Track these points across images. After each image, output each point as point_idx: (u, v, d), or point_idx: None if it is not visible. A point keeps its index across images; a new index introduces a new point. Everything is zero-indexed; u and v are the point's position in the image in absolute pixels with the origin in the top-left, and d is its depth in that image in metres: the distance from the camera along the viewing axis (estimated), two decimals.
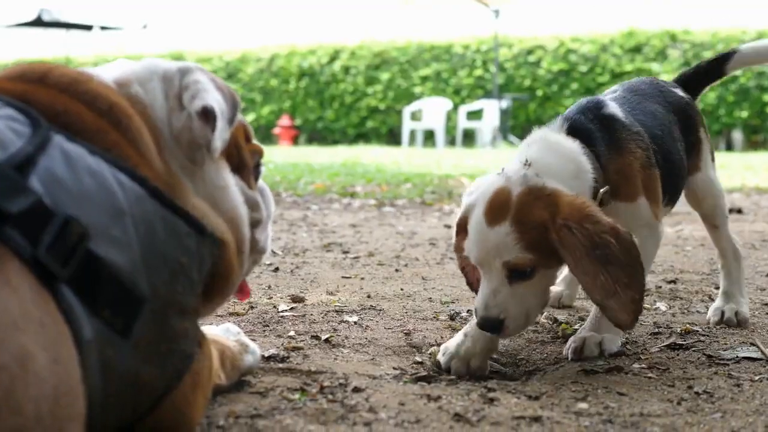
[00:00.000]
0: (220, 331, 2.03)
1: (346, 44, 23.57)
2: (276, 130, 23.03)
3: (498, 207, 2.12)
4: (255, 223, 1.83)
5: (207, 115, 1.62)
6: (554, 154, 2.22)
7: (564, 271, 2.94)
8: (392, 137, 22.06)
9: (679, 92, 2.70)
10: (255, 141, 1.89)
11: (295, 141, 22.90)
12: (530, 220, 2.09)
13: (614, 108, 2.37)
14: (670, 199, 2.53)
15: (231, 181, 1.72)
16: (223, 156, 1.72)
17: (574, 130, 2.29)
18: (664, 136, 2.46)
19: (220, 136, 1.62)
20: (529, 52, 21.41)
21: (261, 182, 1.92)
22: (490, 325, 2.16)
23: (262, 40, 25.13)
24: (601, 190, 2.23)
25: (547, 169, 2.17)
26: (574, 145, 2.24)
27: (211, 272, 1.64)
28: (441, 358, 2.29)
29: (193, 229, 1.56)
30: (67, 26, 21.48)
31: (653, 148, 2.37)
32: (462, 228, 2.25)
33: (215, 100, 1.63)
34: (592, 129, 2.30)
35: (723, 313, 2.74)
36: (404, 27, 24.00)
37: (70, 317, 1.34)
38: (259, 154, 1.88)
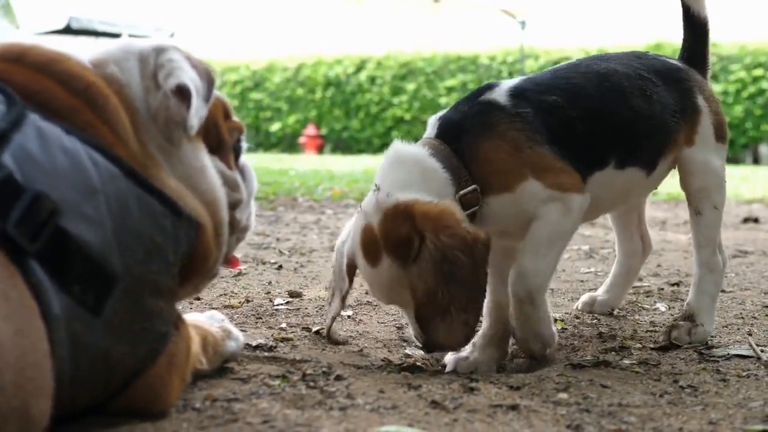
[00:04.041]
0: (204, 317, 2.04)
1: (373, 54, 23.61)
2: (301, 139, 23.11)
3: (370, 247, 2.08)
4: (235, 204, 1.83)
5: (182, 93, 1.63)
6: (397, 166, 2.13)
7: (608, 279, 2.92)
8: None
9: (669, 60, 2.55)
10: (235, 118, 1.88)
11: (320, 150, 22.96)
12: (400, 243, 2.02)
13: (498, 93, 2.22)
14: (622, 162, 2.33)
15: (208, 163, 1.73)
16: (201, 137, 1.73)
17: (442, 129, 2.21)
18: (603, 96, 2.30)
19: (196, 114, 1.63)
20: (556, 63, 21.30)
21: (243, 160, 1.91)
22: (438, 347, 2.11)
23: (289, 50, 25.23)
24: (460, 193, 2.11)
25: (395, 183, 2.09)
26: (418, 150, 2.15)
27: (189, 254, 1.65)
28: (448, 360, 2.27)
29: (169, 209, 1.57)
30: (95, 34, 21.65)
31: (569, 115, 2.22)
32: (351, 274, 2.26)
33: (190, 78, 1.64)
34: (460, 122, 2.19)
35: (671, 330, 2.46)
36: (430, 38, 23.98)
37: (38, 292, 1.35)
38: (239, 130, 1.87)
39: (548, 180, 2.16)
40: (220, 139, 1.80)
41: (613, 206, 2.67)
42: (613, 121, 2.31)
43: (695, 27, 2.64)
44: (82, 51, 1.65)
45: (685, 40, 2.66)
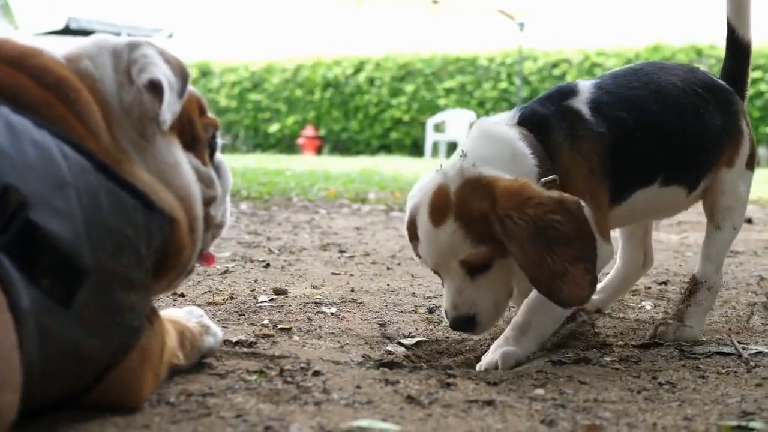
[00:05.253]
0: (183, 312, 2.04)
1: (371, 56, 23.62)
2: (300, 140, 23.11)
3: (440, 207, 2.08)
4: (209, 200, 1.83)
5: (155, 87, 1.63)
6: (488, 141, 2.17)
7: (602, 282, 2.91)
8: (416, 149, 22.07)
9: (719, 80, 2.56)
10: (210, 114, 1.88)
11: (318, 151, 22.96)
12: (472, 214, 2.04)
13: (581, 101, 2.28)
14: (667, 179, 2.39)
15: (182, 159, 1.73)
16: (175, 132, 1.72)
17: (525, 118, 2.25)
18: (663, 113, 2.35)
19: (169, 108, 1.63)
20: (554, 65, 21.38)
21: (218, 156, 1.91)
22: (462, 323, 2.14)
23: (288, 51, 25.24)
24: (543, 179, 2.14)
25: (483, 157, 2.12)
26: (510, 131, 2.20)
27: (162, 249, 1.65)
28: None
29: (141, 202, 1.57)
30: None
31: (634, 135, 2.28)
32: (413, 233, 2.22)
33: (163, 73, 1.64)
34: (548, 117, 2.24)
35: (658, 326, 2.49)
36: (429, 39, 23.99)
37: (6, 285, 1.35)
38: (214, 127, 1.87)
39: (596, 217, 2.18)
40: (194, 135, 1.80)
41: (647, 219, 2.74)
42: (669, 140, 2.36)
43: (738, 50, 2.64)
44: (57, 46, 1.65)
45: (726, 61, 2.67)
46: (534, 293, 2.22)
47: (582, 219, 2.02)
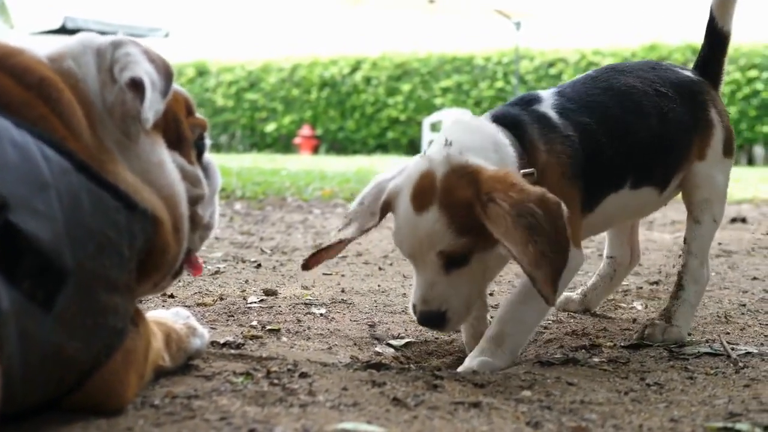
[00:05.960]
0: (169, 314, 2.02)
1: (368, 55, 23.61)
2: (297, 140, 23.09)
3: (424, 192, 2.02)
4: (196, 199, 1.81)
5: (137, 86, 1.62)
6: (471, 132, 2.13)
7: (590, 281, 2.91)
8: (412, 148, 22.04)
9: (683, 71, 2.55)
10: (198, 114, 1.87)
11: (315, 150, 22.95)
12: (457, 202, 1.98)
13: (546, 106, 2.27)
14: (637, 182, 2.38)
15: (167, 158, 1.72)
16: (159, 131, 1.72)
17: (498, 118, 2.21)
18: (625, 116, 2.34)
19: (151, 107, 1.62)
20: (551, 64, 21.38)
21: (207, 156, 1.89)
22: (432, 319, 2.07)
23: (285, 50, 25.23)
24: (522, 171, 2.10)
25: (467, 146, 2.07)
26: (491, 126, 2.17)
27: (147, 249, 1.64)
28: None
29: (122, 203, 1.56)
30: None
31: (599, 140, 2.26)
32: (383, 214, 2.15)
33: (145, 71, 1.63)
34: (521, 117, 2.21)
35: (646, 328, 2.48)
36: (426, 38, 23.98)
37: None
38: (201, 127, 1.86)
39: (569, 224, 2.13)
40: (180, 134, 1.78)
41: (623, 222, 2.71)
42: (633, 143, 2.35)
43: (716, 39, 2.64)
44: (41, 46, 1.65)
45: (703, 50, 2.66)
46: (505, 303, 2.21)
47: (560, 222, 1.96)
